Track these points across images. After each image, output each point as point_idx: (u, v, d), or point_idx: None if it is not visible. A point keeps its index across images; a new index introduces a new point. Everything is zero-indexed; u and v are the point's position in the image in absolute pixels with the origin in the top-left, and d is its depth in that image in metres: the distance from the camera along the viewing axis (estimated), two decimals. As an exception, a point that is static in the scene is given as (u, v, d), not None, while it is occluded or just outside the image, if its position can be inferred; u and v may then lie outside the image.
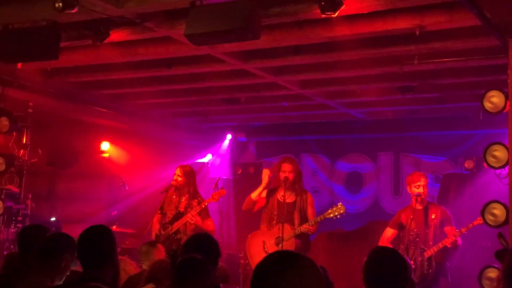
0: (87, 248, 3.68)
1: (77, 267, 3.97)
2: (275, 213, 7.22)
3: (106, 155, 10.68)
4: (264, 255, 7.24)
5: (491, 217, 5.77)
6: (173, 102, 10.17)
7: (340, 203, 7.10)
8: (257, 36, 5.20)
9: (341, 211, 6.97)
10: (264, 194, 7.45)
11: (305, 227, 7.04)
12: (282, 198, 7.15)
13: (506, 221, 5.58)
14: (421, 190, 7.11)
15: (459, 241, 6.94)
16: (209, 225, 7.41)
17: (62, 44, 6.04)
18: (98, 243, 3.68)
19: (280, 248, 6.87)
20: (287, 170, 7.25)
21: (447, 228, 7.09)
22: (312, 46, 6.79)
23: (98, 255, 3.63)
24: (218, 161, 11.92)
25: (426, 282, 6.89)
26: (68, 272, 4.10)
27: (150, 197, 8.73)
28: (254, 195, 7.43)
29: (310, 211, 7.27)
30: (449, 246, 6.88)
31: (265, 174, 7.43)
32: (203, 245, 4.16)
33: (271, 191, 7.45)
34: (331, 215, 7.01)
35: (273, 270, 2.10)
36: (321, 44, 6.66)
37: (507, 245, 5.37)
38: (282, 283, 2.06)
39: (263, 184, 7.38)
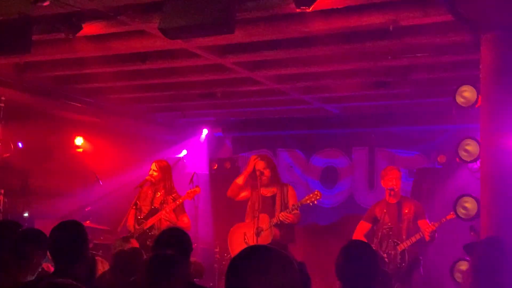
0: (59, 243, 3.66)
1: (49, 262, 3.96)
2: (257, 207, 7.27)
3: (80, 150, 10.59)
4: (244, 246, 7.32)
5: (463, 211, 5.84)
6: (148, 97, 10.12)
7: (317, 190, 7.18)
8: (232, 30, 5.19)
9: (318, 197, 7.04)
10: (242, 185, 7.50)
11: (283, 215, 7.07)
12: (263, 193, 7.25)
13: (477, 215, 5.65)
14: (394, 184, 7.19)
15: (435, 234, 7.03)
16: (184, 222, 7.41)
17: (34, 38, 5.97)
18: (70, 238, 3.66)
19: (260, 239, 6.94)
20: (260, 168, 7.31)
21: (421, 222, 7.17)
22: (288, 41, 6.79)
23: (70, 251, 3.60)
24: (192, 155, 11.89)
25: (399, 275, 6.96)
26: (40, 268, 4.07)
27: (125, 193, 8.68)
28: (239, 180, 7.50)
29: (292, 203, 7.31)
30: (427, 238, 6.95)
31: (252, 160, 7.48)
32: (175, 239, 4.16)
33: (256, 185, 7.49)
34: (308, 201, 7.08)
35: (244, 264, 2.13)
36: (296, 39, 6.67)
37: (478, 238, 5.45)
38: (253, 277, 2.08)
39: (248, 169, 7.43)
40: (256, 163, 7.39)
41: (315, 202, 7.07)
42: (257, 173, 7.31)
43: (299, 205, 7.10)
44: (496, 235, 5.03)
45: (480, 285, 3.67)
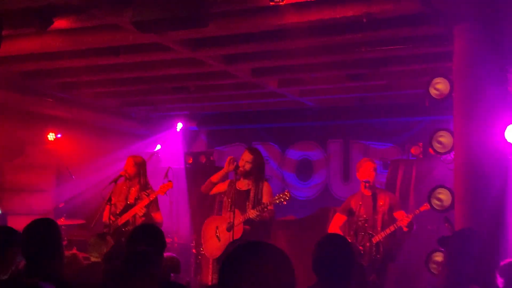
0: (32, 242, 3.60)
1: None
2: (232, 200, 7.23)
3: (53, 145, 10.47)
4: (215, 240, 7.33)
5: (437, 202, 5.88)
6: (122, 91, 10.03)
7: (287, 190, 7.15)
8: (206, 24, 5.17)
9: (287, 198, 7.01)
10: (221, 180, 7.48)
11: (253, 213, 7.04)
12: (238, 186, 7.22)
13: (451, 206, 5.70)
14: (369, 176, 7.21)
15: (413, 225, 7.06)
16: (157, 218, 7.37)
17: (4, 33, 5.87)
18: (43, 237, 3.60)
19: (231, 234, 6.90)
20: (245, 159, 7.26)
21: (396, 213, 7.21)
22: (262, 34, 6.77)
23: (43, 249, 3.55)
24: (167, 150, 11.84)
25: (374, 267, 7.00)
26: (14, 266, 4.01)
27: (99, 188, 8.61)
28: (214, 178, 7.45)
29: (265, 199, 7.27)
30: (405, 229, 6.99)
31: (228, 160, 7.44)
32: (148, 236, 4.13)
33: (233, 181, 7.45)
34: (277, 201, 7.05)
35: (239, 260, 2.12)
36: (270, 32, 6.65)
37: (453, 229, 5.50)
38: (248, 273, 2.07)
39: (225, 169, 7.37)
40: (244, 153, 7.34)
41: (284, 202, 7.03)
42: (241, 163, 7.26)
43: (268, 205, 7.07)
44: (469, 227, 5.08)
45: (454, 276, 3.69)
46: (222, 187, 7.50)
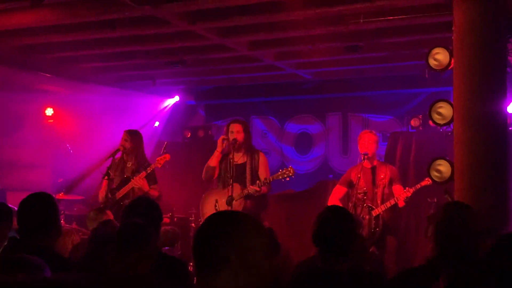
0: (28, 216, 3.57)
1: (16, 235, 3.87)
2: (228, 175, 7.19)
3: (51, 121, 10.44)
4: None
5: (437, 174, 5.84)
6: (119, 66, 9.95)
7: (291, 166, 7.09)
8: (202, -5, 5.09)
9: (290, 174, 6.97)
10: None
11: (252, 188, 7.01)
12: (235, 160, 7.14)
13: (451, 177, 5.67)
14: (368, 148, 7.17)
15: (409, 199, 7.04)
16: (154, 191, 7.35)
17: (-2, 6, 5.80)
18: (39, 211, 3.57)
19: (230, 208, 6.88)
20: (235, 131, 7.20)
21: (395, 187, 7.19)
22: (259, 6, 6.68)
23: (39, 224, 3.52)
24: (165, 124, 11.82)
25: (373, 240, 7.00)
26: (6, 241, 3.98)
27: (97, 163, 8.60)
28: (211, 162, 7.33)
29: (261, 171, 7.21)
30: (401, 204, 6.97)
31: (220, 139, 7.37)
32: (144, 209, 4.12)
33: (225, 155, 7.42)
34: (280, 177, 7.00)
35: (212, 230, 2.16)
36: (267, 3, 6.56)
37: (452, 201, 5.48)
38: (222, 241, 2.11)
39: (218, 149, 7.30)
40: (231, 126, 7.27)
41: (287, 178, 7.00)
42: (230, 136, 7.20)
43: (271, 180, 7.03)
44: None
45: (440, 250, 3.63)
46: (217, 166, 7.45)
